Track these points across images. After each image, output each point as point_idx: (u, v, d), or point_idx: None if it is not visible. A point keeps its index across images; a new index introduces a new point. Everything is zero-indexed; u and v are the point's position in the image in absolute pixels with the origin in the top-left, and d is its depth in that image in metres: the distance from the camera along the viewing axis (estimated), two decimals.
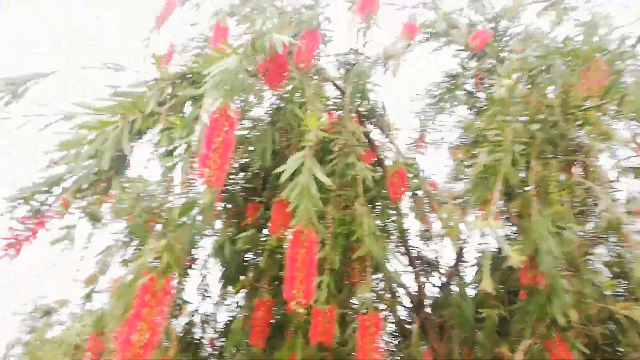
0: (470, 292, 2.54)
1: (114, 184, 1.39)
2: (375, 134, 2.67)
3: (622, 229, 1.67)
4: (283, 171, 1.44)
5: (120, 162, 1.44)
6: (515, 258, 1.14)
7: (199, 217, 1.77)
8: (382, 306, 2.34)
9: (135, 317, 1.17)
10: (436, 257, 2.83)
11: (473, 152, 1.71)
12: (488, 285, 1.30)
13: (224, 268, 2.34)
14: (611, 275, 2.50)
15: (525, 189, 1.56)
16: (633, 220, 2.70)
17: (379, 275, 2.44)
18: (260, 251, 2.05)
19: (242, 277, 2.18)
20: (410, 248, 2.69)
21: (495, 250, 2.36)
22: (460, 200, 1.90)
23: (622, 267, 2.40)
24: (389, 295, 2.68)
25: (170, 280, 1.28)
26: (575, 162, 2.33)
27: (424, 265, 2.85)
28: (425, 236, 3.04)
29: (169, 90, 1.56)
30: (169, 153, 1.45)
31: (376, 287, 2.54)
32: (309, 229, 1.35)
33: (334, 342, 1.75)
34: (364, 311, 1.56)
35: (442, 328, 2.60)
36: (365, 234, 1.63)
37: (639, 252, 1.57)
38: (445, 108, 2.52)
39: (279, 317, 2.13)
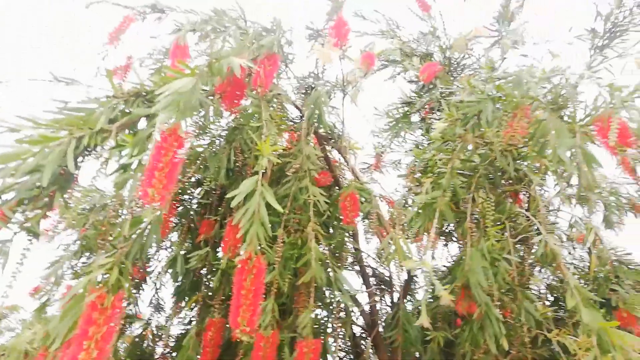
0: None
1: (56, 199, 1.37)
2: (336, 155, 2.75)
3: (557, 259, 1.76)
4: (235, 195, 1.47)
5: (65, 177, 1.43)
6: (445, 297, 1.20)
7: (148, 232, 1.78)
8: (334, 325, 2.37)
9: (82, 336, 1.16)
10: (390, 277, 2.90)
11: (420, 181, 1.78)
12: (425, 322, 1.36)
13: (177, 283, 2.33)
14: (551, 302, 2.63)
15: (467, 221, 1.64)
16: (573, 246, 2.85)
17: (335, 294, 2.49)
18: (214, 270, 2.05)
19: (196, 293, 2.18)
20: (365, 267, 2.75)
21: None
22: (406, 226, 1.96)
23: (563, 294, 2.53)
24: (343, 314, 2.72)
25: (120, 297, 1.28)
26: (520, 192, 2.45)
27: (379, 285, 2.91)
28: (380, 256, 3.12)
29: (122, 107, 1.56)
30: (120, 169, 1.45)
31: (330, 305, 2.59)
32: (257, 256, 1.37)
33: None
34: (303, 337, 1.59)
35: (393, 348, 2.66)
36: (313, 259, 1.66)
37: (572, 283, 1.65)
38: (400, 132, 2.59)
39: (230, 337, 2.14)
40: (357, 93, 2.41)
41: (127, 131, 1.49)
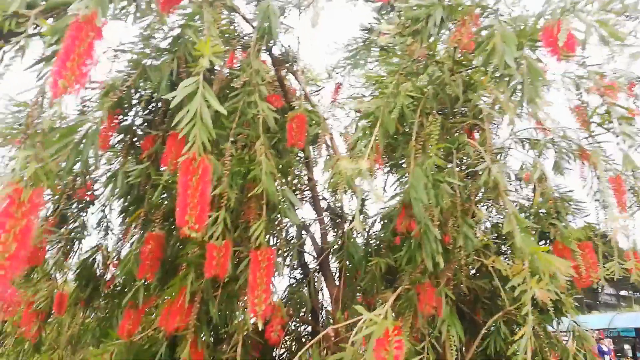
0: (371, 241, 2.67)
1: None
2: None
3: (500, 186, 1.78)
4: (179, 101, 1.38)
5: None
6: (377, 196, 1.19)
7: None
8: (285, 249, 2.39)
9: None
10: (342, 208, 2.92)
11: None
12: (358, 225, 1.35)
13: (122, 201, 2.26)
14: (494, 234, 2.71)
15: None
16: (521, 185, 2.92)
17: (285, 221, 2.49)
18: (155, 185, 1.99)
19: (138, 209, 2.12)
20: (317, 197, 2.75)
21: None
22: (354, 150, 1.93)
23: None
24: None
25: (39, 193, 1.22)
26: (474, 126, 2.45)
27: (330, 216, 2.93)
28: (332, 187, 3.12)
29: None
30: (41, 60, 1.35)
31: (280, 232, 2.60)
32: (202, 157, 1.31)
33: (226, 277, 1.77)
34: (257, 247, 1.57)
35: (341, 274, 2.72)
36: (263, 173, 1.62)
37: (510, 210, 1.68)
38: (360, 63, 2.51)
39: (172, 253, 2.12)
40: (318, 15, 2.29)
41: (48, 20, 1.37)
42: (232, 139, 1.78)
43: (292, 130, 1.89)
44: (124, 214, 2.33)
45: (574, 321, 2.46)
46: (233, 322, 2.03)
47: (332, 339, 1.94)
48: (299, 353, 1.51)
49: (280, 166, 2.06)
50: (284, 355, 2.79)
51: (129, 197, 2.17)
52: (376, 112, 1.43)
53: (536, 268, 1.65)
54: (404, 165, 2.03)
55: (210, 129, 1.36)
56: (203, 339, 1.86)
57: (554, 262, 1.58)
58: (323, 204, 2.94)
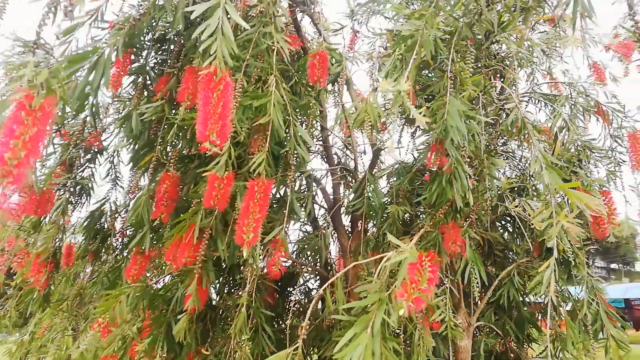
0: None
1: None
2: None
3: (527, 127, 1.73)
4: (197, 36, 1.30)
5: None
6: (420, 119, 1.13)
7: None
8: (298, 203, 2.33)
9: (9, 135, 1.05)
10: (355, 164, 2.86)
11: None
12: (391, 149, 1.30)
13: (133, 145, 2.20)
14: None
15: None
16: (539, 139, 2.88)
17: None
18: (168, 125, 1.93)
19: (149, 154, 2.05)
20: (330, 148, 2.70)
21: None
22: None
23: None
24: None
25: (51, 101, 1.16)
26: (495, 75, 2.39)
27: (342, 172, 2.87)
28: (347, 145, 3.06)
29: None
30: None
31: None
32: (224, 72, 1.25)
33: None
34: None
35: (353, 225, 2.68)
36: (271, 104, 1.56)
37: (537, 146, 1.63)
38: (377, 9, 2.41)
39: (187, 198, 2.07)
40: None
41: None
42: (245, 72, 1.70)
43: (315, 67, 1.81)
44: (134, 161, 2.26)
45: (588, 272, 2.45)
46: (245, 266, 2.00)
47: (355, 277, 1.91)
48: (323, 286, 1.48)
49: (297, 109, 1.99)
50: (296, 307, 2.78)
51: (139, 141, 2.10)
52: (415, 35, 1.36)
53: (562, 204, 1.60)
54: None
55: (232, 42, 1.29)
56: (209, 276, 1.81)
57: (583, 197, 1.54)
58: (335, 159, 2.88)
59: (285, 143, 1.73)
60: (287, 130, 1.69)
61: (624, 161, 2.71)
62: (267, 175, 1.56)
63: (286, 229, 1.96)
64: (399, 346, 1.67)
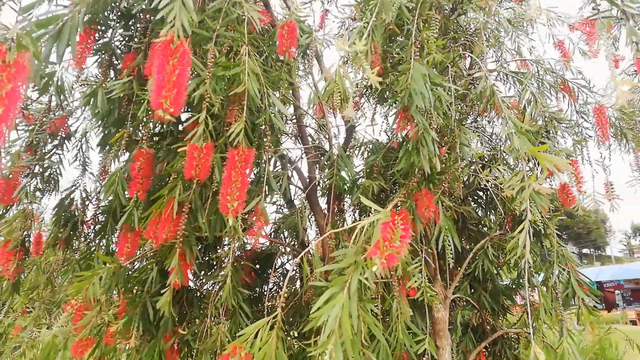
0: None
1: None
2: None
3: (495, 95, 1.76)
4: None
5: None
6: (373, 79, 1.13)
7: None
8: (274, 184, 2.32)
9: None
10: (330, 145, 2.87)
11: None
12: (350, 113, 1.31)
13: (102, 126, 2.14)
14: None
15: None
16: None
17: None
18: (139, 102, 1.88)
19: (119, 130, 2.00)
20: (303, 126, 2.69)
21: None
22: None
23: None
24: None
25: (24, 56, 1.12)
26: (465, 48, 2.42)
27: (317, 151, 2.88)
28: (321, 127, 3.06)
29: None
30: None
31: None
32: (182, 39, 1.23)
33: (215, 187, 1.70)
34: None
35: (329, 205, 2.69)
36: (245, 73, 1.54)
37: (506, 114, 1.66)
38: None
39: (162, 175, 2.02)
40: None
41: None
42: (216, 42, 1.68)
43: (283, 37, 1.80)
44: (104, 141, 2.21)
45: (558, 242, 2.53)
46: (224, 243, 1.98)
47: (331, 251, 1.92)
48: (302, 253, 1.47)
49: (269, 79, 1.97)
50: (274, 289, 2.78)
51: (109, 119, 2.05)
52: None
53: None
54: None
55: (191, 9, 1.28)
56: (193, 251, 1.79)
57: (552, 159, 1.58)
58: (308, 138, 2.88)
59: (260, 113, 1.71)
60: (261, 100, 1.68)
61: (590, 136, 2.80)
62: (246, 145, 1.55)
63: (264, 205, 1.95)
64: (377, 308, 1.69)
